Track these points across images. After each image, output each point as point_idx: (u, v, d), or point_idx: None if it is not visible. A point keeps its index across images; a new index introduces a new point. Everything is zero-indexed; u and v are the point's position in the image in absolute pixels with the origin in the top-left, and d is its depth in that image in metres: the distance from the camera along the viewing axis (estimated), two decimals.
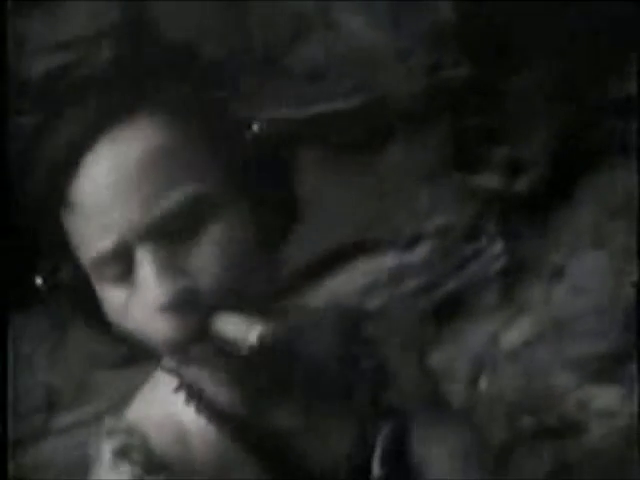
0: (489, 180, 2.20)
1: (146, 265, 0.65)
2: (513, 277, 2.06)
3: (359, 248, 2.01)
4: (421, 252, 2.10)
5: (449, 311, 2.01)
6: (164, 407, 0.76)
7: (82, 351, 1.40)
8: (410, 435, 0.81)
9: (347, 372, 0.82)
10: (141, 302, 0.66)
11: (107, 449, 0.72)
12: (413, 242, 2.10)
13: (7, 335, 1.04)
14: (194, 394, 0.74)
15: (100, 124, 0.68)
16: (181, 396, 0.75)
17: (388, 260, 2.04)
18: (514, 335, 1.96)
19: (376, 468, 0.79)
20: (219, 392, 0.75)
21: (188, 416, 0.75)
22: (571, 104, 2.29)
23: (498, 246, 2.12)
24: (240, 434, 0.75)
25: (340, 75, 2.13)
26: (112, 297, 0.68)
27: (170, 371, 0.75)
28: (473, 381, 1.88)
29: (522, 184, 2.19)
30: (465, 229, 2.13)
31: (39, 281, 0.72)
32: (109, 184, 0.67)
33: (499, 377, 1.89)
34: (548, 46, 2.27)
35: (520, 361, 1.91)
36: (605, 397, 1.79)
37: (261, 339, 0.64)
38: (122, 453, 0.72)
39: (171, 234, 0.67)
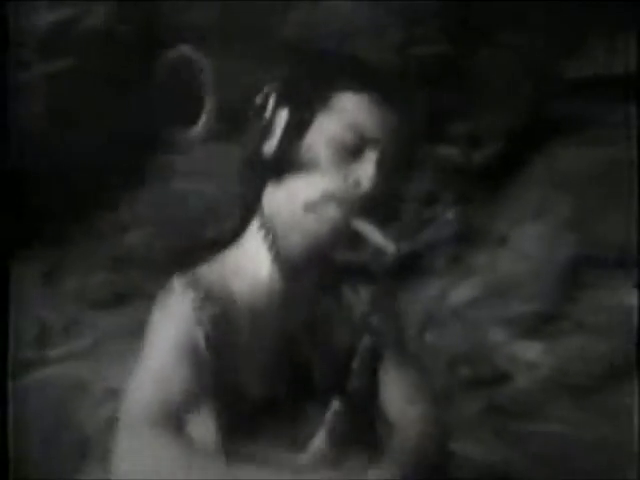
0: (449, 152, 2.35)
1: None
2: (463, 242, 2.23)
3: None
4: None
5: (405, 270, 2.13)
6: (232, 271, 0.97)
7: (75, 292, 1.57)
8: (380, 358, 1.00)
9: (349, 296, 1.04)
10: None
11: (178, 282, 0.93)
12: None
13: (9, 278, 1.20)
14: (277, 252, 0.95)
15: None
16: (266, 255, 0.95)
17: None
18: (459, 295, 2.15)
19: (355, 377, 0.97)
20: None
21: (262, 269, 0.96)
22: (529, 84, 2.45)
23: (451, 213, 2.28)
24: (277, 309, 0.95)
25: (319, 42, 2.23)
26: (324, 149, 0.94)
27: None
28: (421, 333, 2.05)
29: (479, 157, 2.36)
30: (423, 196, 2.29)
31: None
32: None
33: (443, 331, 2.07)
34: (512, 27, 2.41)
35: (462, 318, 2.09)
36: (531, 351, 1.97)
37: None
38: (189, 284, 0.92)
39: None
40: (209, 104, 2.10)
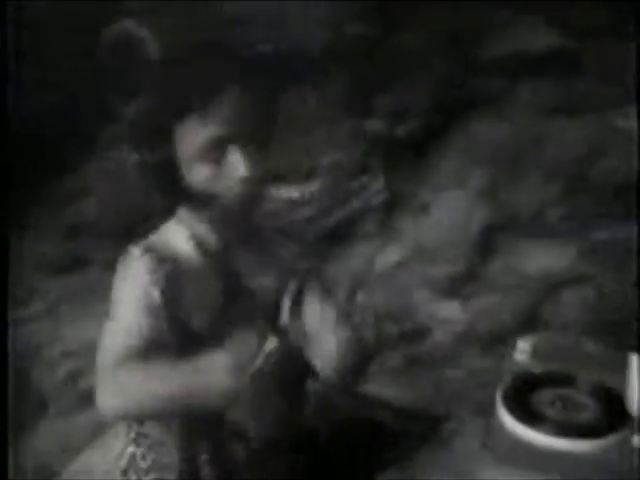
0: (375, 125, 2.45)
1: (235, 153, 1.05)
2: (389, 210, 2.35)
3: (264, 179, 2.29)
4: (315, 184, 2.35)
5: (336, 236, 2.28)
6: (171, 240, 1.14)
7: (32, 259, 1.64)
8: (304, 298, 1.17)
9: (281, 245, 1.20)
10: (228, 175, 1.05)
11: (135, 249, 1.10)
12: (308, 176, 2.35)
13: None
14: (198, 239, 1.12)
15: None
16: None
17: (288, 190, 2.29)
18: (386, 258, 2.26)
19: (284, 314, 1.15)
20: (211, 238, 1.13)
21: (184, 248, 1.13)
22: (449, 61, 2.57)
23: (379, 183, 2.39)
24: (213, 263, 1.12)
25: (257, 24, 2.29)
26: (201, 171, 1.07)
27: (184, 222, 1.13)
28: (351, 294, 2.13)
29: (403, 130, 2.46)
30: (352, 167, 2.39)
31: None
32: None
33: (372, 291, 2.16)
34: (434, 9, 2.51)
35: (389, 280, 2.20)
36: (448, 309, 2.09)
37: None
38: (144, 251, 1.09)
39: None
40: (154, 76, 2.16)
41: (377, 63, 2.41)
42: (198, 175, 1.10)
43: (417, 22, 2.47)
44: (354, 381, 1.13)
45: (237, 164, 1.07)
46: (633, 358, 1.02)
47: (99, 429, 1.72)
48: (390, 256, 2.26)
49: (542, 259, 2.16)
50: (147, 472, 1.18)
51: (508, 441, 0.97)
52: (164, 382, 1.05)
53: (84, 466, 1.65)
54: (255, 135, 1.10)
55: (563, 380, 1.02)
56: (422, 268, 2.20)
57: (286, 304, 1.16)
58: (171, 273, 1.10)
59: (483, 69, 2.49)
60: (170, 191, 1.14)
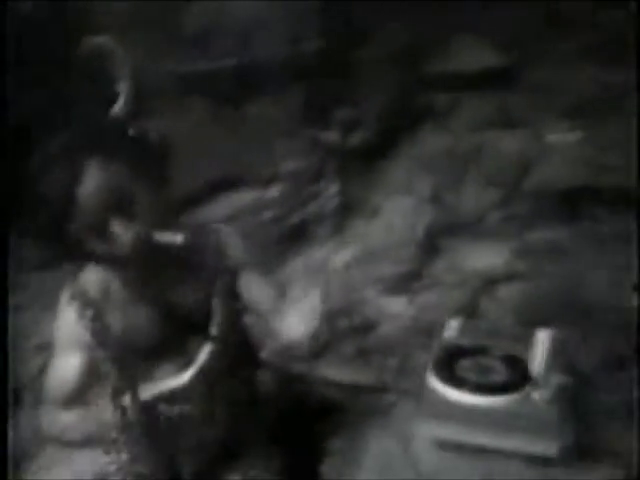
0: (331, 135, 2.58)
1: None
2: (343, 214, 2.46)
3: (228, 184, 2.38)
4: (275, 190, 2.47)
5: (294, 237, 2.40)
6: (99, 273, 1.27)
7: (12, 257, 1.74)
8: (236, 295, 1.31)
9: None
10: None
11: (65, 296, 1.26)
12: (269, 182, 2.47)
13: None
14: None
15: None
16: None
17: (250, 195, 2.43)
18: (340, 259, 2.35)
19: (215, 315, 1.27)
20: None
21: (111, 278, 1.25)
22: (399, 76, 2.71)
23: (334, 188, 2.50)
24: (135, 286, 1.26)
25: (219, 40, 2.44)
26: None
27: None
28: (307, 292, 2.05)
29: (356, 139, 2.60)
30: (309, 174, 2.50)
31: None
32: None
33: (327, 290, 2.16)
34: (386, 29, 2.67)
35: (342, 278, 2.28)
36: (396, 304, 2.17)
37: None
38: (72, 297, 1.25)
39: None
40: (125, 89, 2.25)
41: (332, 78, 2.54)
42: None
43: (370, 40, 2.61)
44: (317, 346, 1.29)
45: (121, 234, 1.15)
46: (539, 333, 1.22)
47: None
48: (343, 256, 2.36)
49: (481, 258, 2.29)
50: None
51: (437, 401, 1.16)
52: (77, 433, 1.23)
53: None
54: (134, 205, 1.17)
55: (480, 351, 1.21)
56: (372, 267, 2.31)
57: (217, 305, 1.27)
58: (98, 313, 1.24)
59: (430, 85, 2.66)
60: None
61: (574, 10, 2.59)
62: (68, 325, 1.26)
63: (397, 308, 2.19)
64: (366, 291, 2.25)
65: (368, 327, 2.14)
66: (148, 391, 1.22)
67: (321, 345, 2.08)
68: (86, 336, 1.23)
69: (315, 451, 1.35)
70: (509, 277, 2.21)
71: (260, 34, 2.47)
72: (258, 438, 1.34)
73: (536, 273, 2.19)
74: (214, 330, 1.26)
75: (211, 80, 2.31)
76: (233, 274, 1.34)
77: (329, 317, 2.12)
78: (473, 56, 2.71)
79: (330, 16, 2.56)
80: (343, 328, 2.14)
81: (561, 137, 2.56)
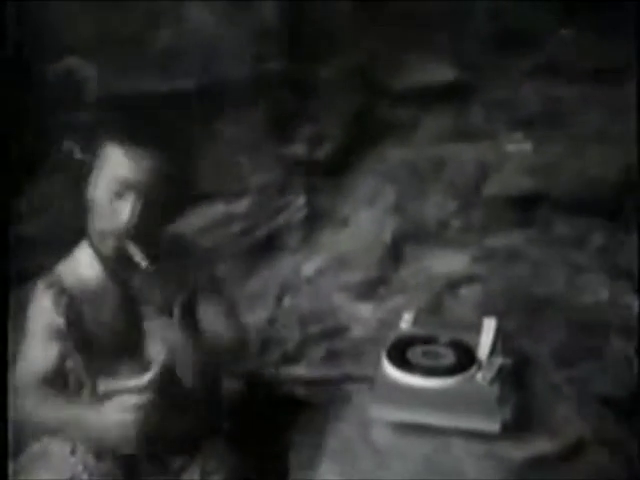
0: (297, 149, 2.60)
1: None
2: (311, 224, 2.52)
3: (199, 198, 2.39)
4: (245, 203, 2.51)
5: (264, 248, 2.46)
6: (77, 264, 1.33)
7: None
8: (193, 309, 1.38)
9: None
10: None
11: (40, 284, 1.31)
12: (239, 195, 2.51)
13: None
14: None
15: None
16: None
17: (220, 208, 2.48)
18: (310, 267, 2.42)
19: (175, 325, 1.35)
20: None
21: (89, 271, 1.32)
22: (361, 92, 2.70)
23: (301, 200, 2.55)
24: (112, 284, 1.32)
25: (184, 60, 2.44)
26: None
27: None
28: (279, 299, 2.32)
29: (322, 153, 2.62)
30: (277, 187, 2.55)
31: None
32: None
33: (298, 296, 2.33)
34: (347, 46, 2.75)
35: (313, 286, 2.36)
36: (363, 310, 2.26)
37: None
38: (48, 285, 1.30)
39: None
40: (95, 109, 2.33)
41: (295, 95, 2.59)
42: (98, 196, 1.26)
43: (330, 59, 2.63)
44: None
45: (125, 209, 1.23)
46: (485, 321, 1.32)
47: None
48: (313, 265, 2.43)
49: (444, 263, 2.39)
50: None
51: (390, 385, 1.26)
52: (57, 416, 1.24)
53: (41, 448, 1.82)
54: (156, 195, 1.25)
55: (429, 339, 1.32)
56: (341, 275, 2.38)
57: (176, 314, 1.34)
58: (72, 301, 1.29)
59: (391, 100, 2.69)
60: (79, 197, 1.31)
61: (524, 30, 2.70)
62: (43, 312, 1.29)
63: (366, 313, 2.27)
64: (335, 297, 2.33)
65: (338, 331, 2.22)
66: (107, 386, 1.26)
67: (293, 349, 2.17)
68: (60, 324, 1.27)
69: (281, 444, 1.42)
70: (470, 279, 2.32)
71: (224, 53, 2.50)
72: (217, 433, 1.41)
73: (494, 275, 2.30)
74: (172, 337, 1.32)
75: (177, 98, 2.33)
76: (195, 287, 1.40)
77: (301, 323, 2.26)
78: (431, 73, 2.77)
79: (291, 36, 2.60)
80: (314, 333, 2.22)
81: (517, 147, 2.66)
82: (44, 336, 1.28)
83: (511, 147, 2.66)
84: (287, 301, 2.35)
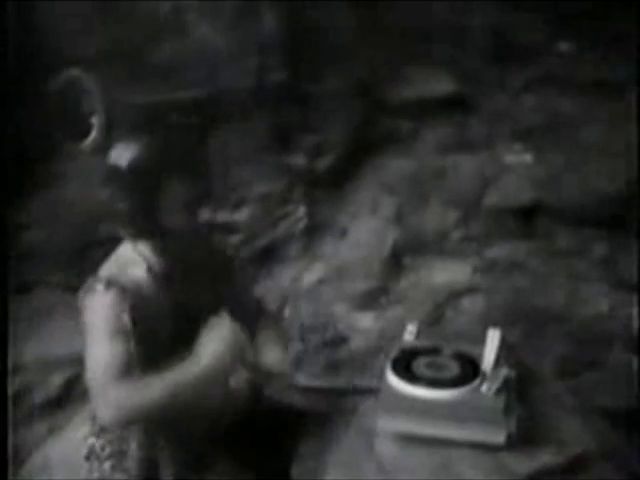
0: (298, 160, 2.61)
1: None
2: (312, 234, 2.53)
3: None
4: (246, 213, 2.52)
5: (265, 258, 2.47)
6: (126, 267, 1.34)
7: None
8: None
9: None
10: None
11: (99, 285, 1.28)
12: (239, 205, 2.51)
13: None
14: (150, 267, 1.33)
15: None
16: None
17: (221, 217, 2.46)
18: (310, 277, 2.43)
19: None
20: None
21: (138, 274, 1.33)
22: (362, 104, 2.74)
23: (302, 211, 2.56)
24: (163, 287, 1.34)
25: (187, 71, 2.46)
26: None
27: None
28: (280, 309, 2.32)
29: (322, 164, 2.63)
30: (278, 197, 2.55)
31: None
32: None
33: (298, 307, 2.34)
34: (348, 59, 2.76)
35: (313, 296, 2.37)
36: (364, 320, 2.28)
37: None
38: (108, 285, 1.28)
39: None
40: (98, 120, 2.33)
41: (297, 107, 2.60)
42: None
43: (331, 72, 2.67)
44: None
45: (176, 192, 1.25)
46: (489, 332, 1.32)
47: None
48: (313, 275, 2.44)
49: (444, 274, 2.40)
50: (106, 459, 1.36)
51: (395, 396, 1.25)
52: (154, 391, 1.22)
53: (42, 460, 1.81)
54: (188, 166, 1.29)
55: (434, 350, 1.31)
56: (341, 285, 2.40)
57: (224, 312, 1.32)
58: (134, 300, 1.28)
59: (392, 112, 2.71)
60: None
61: (524, 43, 2.73)
62: (105, 312, 1.27)
63: (366, 323, 2.29)
64: (336, 308, 2.34)
65: (340, 341, 2.24)
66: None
67: (293, 359, 2.16)
68: (127, 323, 1.26)
69: (285, 455, 1.42)
70: (471, 290, 2.33)
71: (226, 65, 2.52)
72: (228, 445, 1.41)
73: (495, 286, 2.32)
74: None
75: (180, 110, 2.33)
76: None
77: (301, 333, 2.27)
78: (431, 85, 2.80)
79: (293, 48, 2.61)
80: (315, 342, 2.24)
81: (517, 159, 2.67)
82: (111, 335, 1.27)
83: (511, 158, 2.68)
84: (288, 311, 2.35)
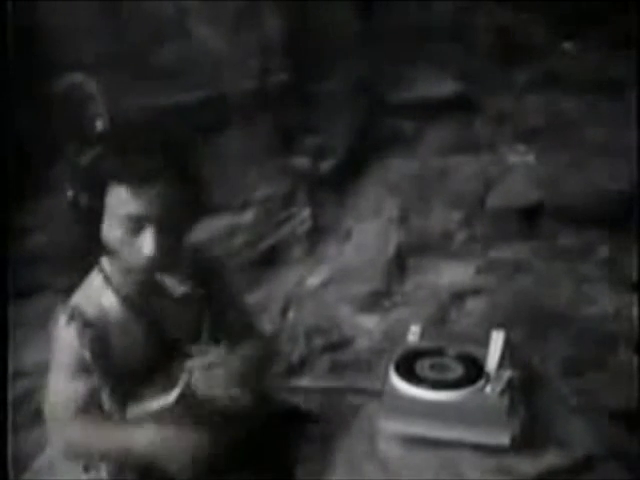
0: (301, 162, 2.64)
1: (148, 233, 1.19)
2: (315, 236, 2.53)
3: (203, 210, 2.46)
4: (249, 215, 2.53)
5: (268, 260, 2.47)
6: (96, 295, 1.31)
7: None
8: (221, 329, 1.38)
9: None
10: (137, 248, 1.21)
11: (62, 317, 1.27)
12: (243, 207, 2.53)
13: None
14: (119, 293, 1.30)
15: None
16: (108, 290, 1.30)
17: (224, 220, 2.46)
18: (314, 279, 2.43)
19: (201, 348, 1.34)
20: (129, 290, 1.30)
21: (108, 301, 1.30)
22: (365, 105, 2.75)
23: (305, 213, 2.56)
24: (135, 314, 1.30)
25: (190, 74, 2.48)
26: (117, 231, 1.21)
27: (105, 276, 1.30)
28: (284, 312, 2.32)
29: (326, 166, 2.66)
30: (282, 199, 2.56)
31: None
32: None
33: (302, 309, 2.33)
34: (351, 60, 2.77)
35: (317, 298, 2.36)
36: (368, 322, 2.26)
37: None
38: (70, 318, 1.27)
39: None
40: (101, 125, 2.34)
41: (300, 108, 2.62)
42: (113, 236, 1.22)
43: (334, 73, 2.68)
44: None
45: (147, 243, 1.19)
46: (493, 333, 1.32)
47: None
48: (317, 277, 2.43)
49: (448, 276, 2.40)
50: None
51: (398, 398, 1.25)
52: (99, 441, 1.25)
53: (46, 464, 1.81)
54: (172, 221, 1.20)
55: (437, 352, 1.31)
56: (346, 287, 2.39)
57: (204, 335, 1.33)
58: (97, 333, 1.25)
59: (395, 113, 2.73)
60: (89, 238, 1.26)
61: (526, 44, 2.73)
62: (67, 347, 1.27)
63: (370, 325, 2.27)
64: (340, 310, 2.33)
65: (345, 343, 2.23)
66: (135, 411, 1.27)
67: (297, 362, 2.16)
68: (87, 358, 1.26)
69: (288, 458, 1.42)
70: (475, 291, 2.32)
71: (229, 67, 2.52)
72: (236, 453, 1.40)
73: (499, 287, 2.31)
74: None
75: (183, 112, 2.34)
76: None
77: (305, 335, 2.26)
78: (434, 86, 2.81)
79: (295, 50, 2.62)
80: (318, 345, 2.22)
81: (520, 159, 2.68)
82: (71, 371, 1.28)
83: (514, 159, 2.69)
84: (292, 313, 2.34)
